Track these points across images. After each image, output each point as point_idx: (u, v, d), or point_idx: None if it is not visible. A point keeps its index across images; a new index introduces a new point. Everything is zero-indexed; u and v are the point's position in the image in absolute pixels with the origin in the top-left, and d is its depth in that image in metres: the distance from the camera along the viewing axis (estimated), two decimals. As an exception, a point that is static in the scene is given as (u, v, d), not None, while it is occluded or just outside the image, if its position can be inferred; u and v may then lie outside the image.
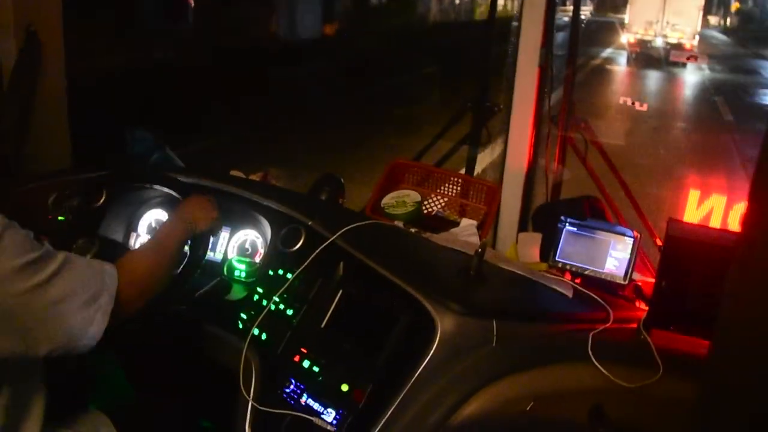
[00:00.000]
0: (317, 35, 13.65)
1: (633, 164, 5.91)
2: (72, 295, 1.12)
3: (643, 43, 15.86)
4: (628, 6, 16.74)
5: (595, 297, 1.59)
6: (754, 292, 0.70)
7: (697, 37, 15.83)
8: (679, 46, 15.24)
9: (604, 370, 1.30)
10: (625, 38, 16.40)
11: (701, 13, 16.13)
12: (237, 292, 1.74)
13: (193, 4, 10.19)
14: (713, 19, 25.85)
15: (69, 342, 1.13)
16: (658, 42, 15.64)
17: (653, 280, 1.53)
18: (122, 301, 1.20)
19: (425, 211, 2.13)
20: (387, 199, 2.09)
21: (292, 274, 1.63)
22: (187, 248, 1.53)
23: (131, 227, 2.00)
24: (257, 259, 1.84)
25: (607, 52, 16.76)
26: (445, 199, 2.17)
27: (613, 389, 1.28)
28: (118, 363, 1.77)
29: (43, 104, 2.10)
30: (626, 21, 16.53)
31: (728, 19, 27.08)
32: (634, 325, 1.48)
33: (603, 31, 19.00)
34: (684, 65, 15.44)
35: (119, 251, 1.62)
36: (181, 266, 1.56)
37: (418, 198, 2.08)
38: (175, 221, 1.50)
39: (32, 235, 1.12)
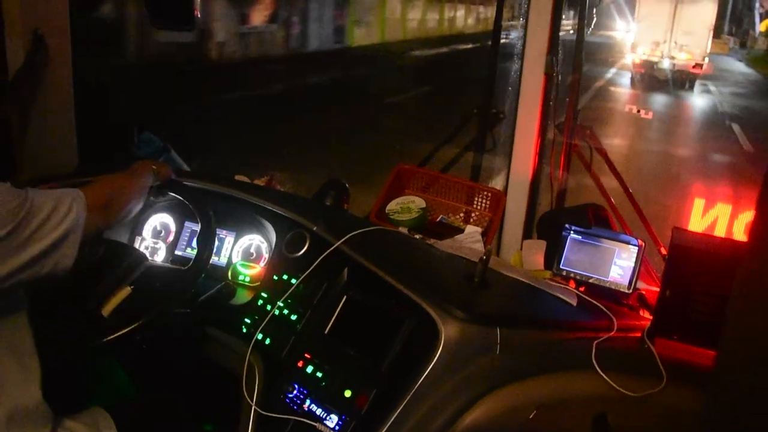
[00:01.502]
0: None
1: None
2: (43, 225, 1.19)
3: (648, 65, 15.20)
4: (635, 25, 16.03)
5: (599, 305, 1.59)
6: (761, 303, 0.70)
7: (707, 60, 15.16)
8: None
9: (607, 379, 1.29)
10: (629, 58, 15.70)
11: (711, 33, 15.39)
12: (241, 297, 1.74)
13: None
14: (728, 41, 19.64)
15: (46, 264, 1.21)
16: (665, 63, 15.01)
17: (657, 289, 1.53)
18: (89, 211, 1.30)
19: (430, 218, 2.13)
20: (392, 205, 2.09)
21: (297, 280, 1.63)
22: (194, 245, 1.54)
23: (136, 231, 2.01)
24: (262, 264, 1.85)
25: (606, 75, 15.60)
26: (450, 206, 2.17)
27: (617, 398, 1.28)
28: (117, 360, 1.78)
29: (50, 106, 2.11)
30: (632, 40, 15.81)
31: (748, 42, 21.21)
32: (638, 334, 1.48)
33: (594, 52, 15.99)
34: (691, 88, 14.71)
35: (126, 254, 1.62)
36: (190, 263, 1.59)
37: (423, 204, 2.08)
38: (141, 166, 1.65)
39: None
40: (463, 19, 24.82)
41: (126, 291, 1.51)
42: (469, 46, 20.12)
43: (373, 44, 16.57)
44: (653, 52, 15.25)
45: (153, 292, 1.54)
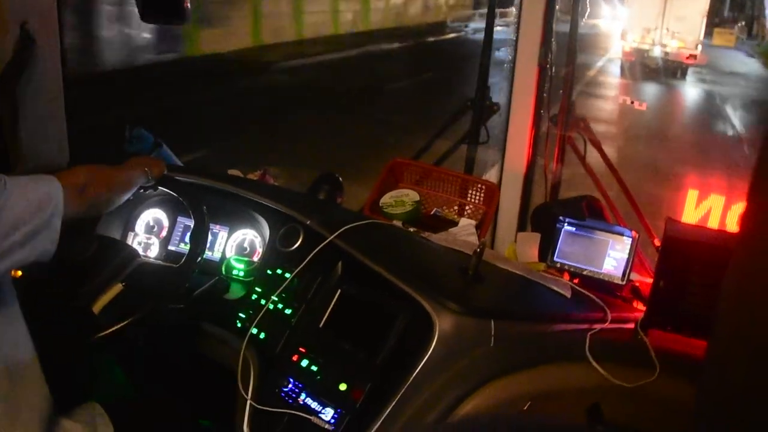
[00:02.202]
0: None
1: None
2: (20, 221, 1.18)
3: (639, 53, 14.61)
4: (625, 10, 15.42)
5: (593, 297, 1.59)
6: (751, 293, 0.70)
7: (700, 47, 14.47)
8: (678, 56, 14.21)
9: (601, 370, 1.30)
10: (619, 47, 15.08)
11: (705, 20, 14.69)
12: (235, 292, 1.74)
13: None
14: (734, 32, 16.73)
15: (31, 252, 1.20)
16: (656, 51, 14.44)
17: (651, 281, 1.53)
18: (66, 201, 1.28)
19: (424, 211, 2.13)
20: (386, 199, 2.08)
21: (291, 274, 1.63)
22: (187, 240, 1.53)
23: (129, 226, 2.00)
24: (255, 259, 1.84)
25: (597, 64, 14.59)
26: (445, 199, 2.17)
27: (611, 389, 1.29)
28: (113, 356, 1.77)
29: (40, 102, 2.10)
30: (622, 27, 15.19)
31: (754, 29, 18.50)
32: (632, 326, 1.49)
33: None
34: (683, 76, 14.00)
35: (118, 250, 1.62)
36: (182, 260, 1.58)
37: (417, 197, 2.08)
38: (133, 163, 1.61)
39: None
40: (401, 6, 19.80)
41: (117, 288, 1.51)
42: (396, 45, 15.20)
43: (235, 50, 11.80)
44: (644, 39, 14.73)
45: (145, 288, 1.54)
